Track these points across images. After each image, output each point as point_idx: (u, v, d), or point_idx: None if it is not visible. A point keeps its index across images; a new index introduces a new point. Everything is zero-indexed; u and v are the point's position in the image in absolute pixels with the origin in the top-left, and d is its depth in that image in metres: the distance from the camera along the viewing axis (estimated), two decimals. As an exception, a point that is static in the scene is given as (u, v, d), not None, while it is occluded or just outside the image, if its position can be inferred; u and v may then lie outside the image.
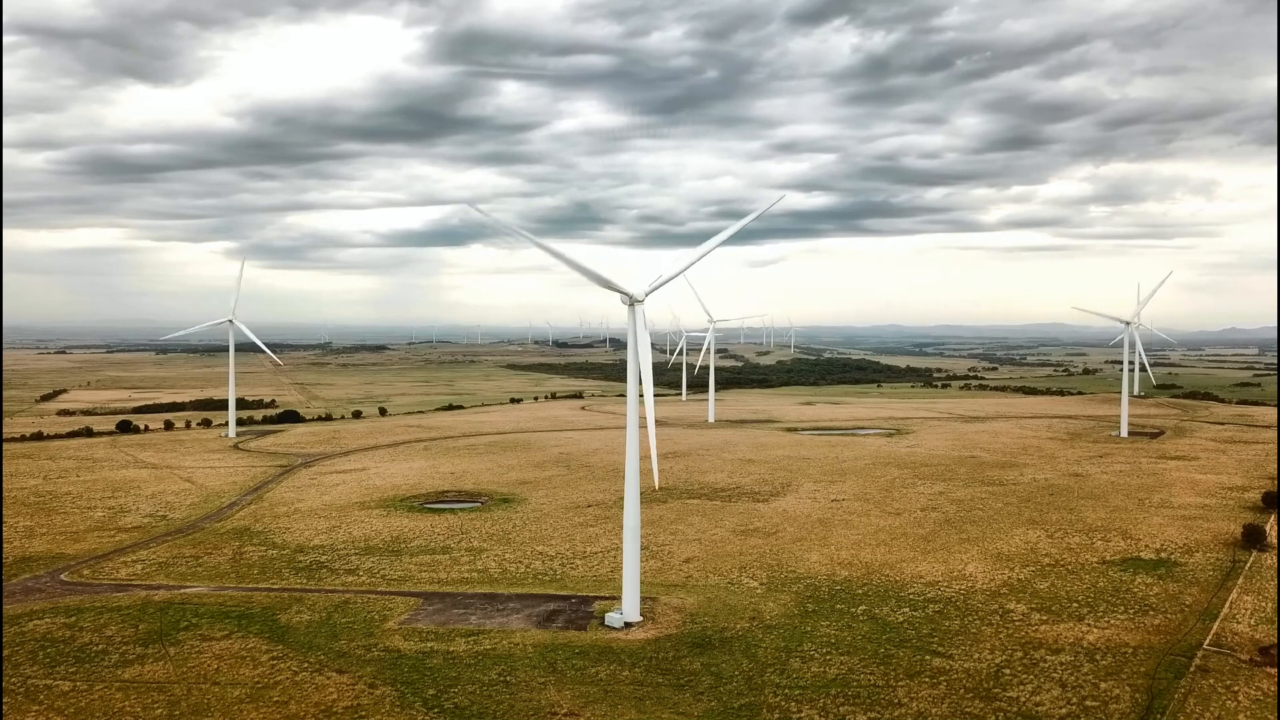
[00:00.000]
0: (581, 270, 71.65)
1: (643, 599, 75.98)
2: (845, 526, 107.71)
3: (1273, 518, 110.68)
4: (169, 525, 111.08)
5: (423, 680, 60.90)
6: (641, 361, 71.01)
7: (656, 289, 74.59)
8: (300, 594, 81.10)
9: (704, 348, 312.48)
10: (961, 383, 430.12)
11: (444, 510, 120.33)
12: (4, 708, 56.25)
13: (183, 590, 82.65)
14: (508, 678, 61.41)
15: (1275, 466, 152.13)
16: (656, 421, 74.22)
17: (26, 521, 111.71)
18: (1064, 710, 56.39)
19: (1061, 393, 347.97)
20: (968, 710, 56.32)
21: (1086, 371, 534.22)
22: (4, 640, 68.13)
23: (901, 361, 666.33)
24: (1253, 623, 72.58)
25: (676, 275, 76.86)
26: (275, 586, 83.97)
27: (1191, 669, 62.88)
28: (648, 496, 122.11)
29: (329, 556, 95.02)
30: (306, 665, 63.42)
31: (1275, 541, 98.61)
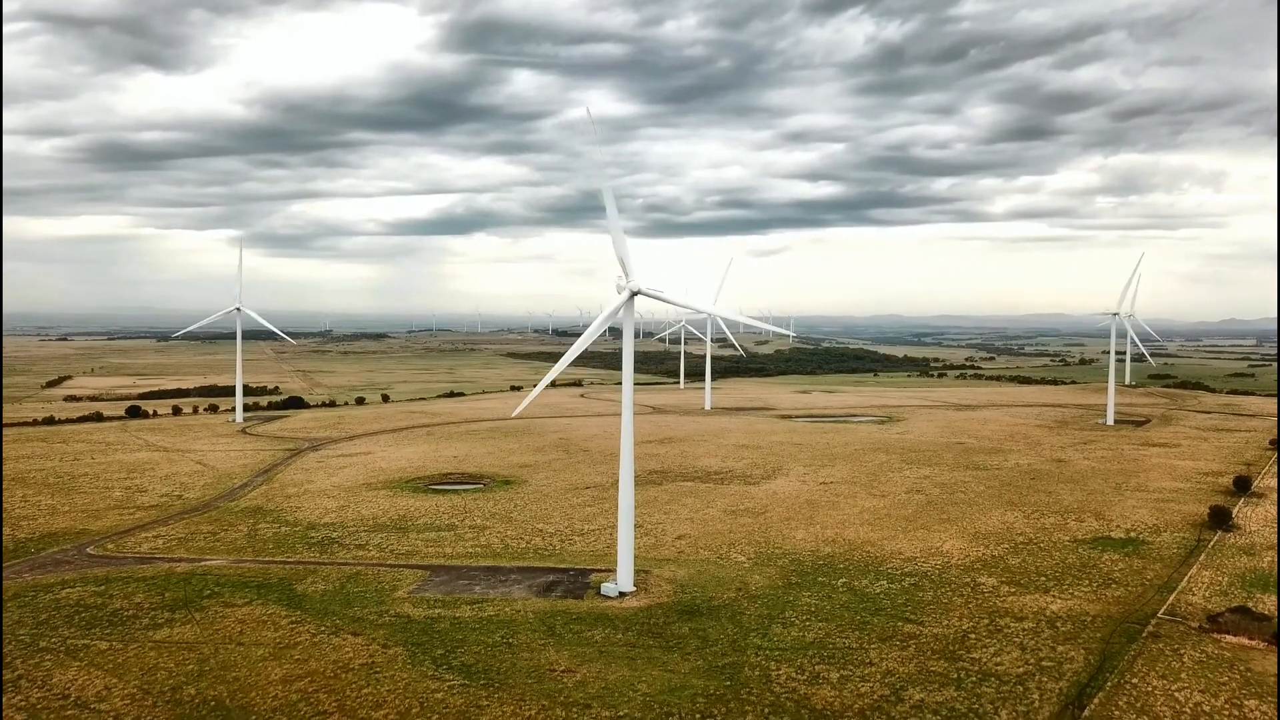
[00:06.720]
0: (615, 235, 75.51)
1: (636, 571, 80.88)
2: (831, 507, 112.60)
3: (1240, 501, 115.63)
4: (185, 504, 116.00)
5: (431, 641, 65.85)
6: (584, 336, 78.65)
7: (651, 296, 79.43)
8: (314, 566, 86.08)
9: (682, 331, 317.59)
10: (957, 372, 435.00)
11: (448, 491, 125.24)
12: (48, 663, 61.19)
13: (203, 563, 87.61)
14: (510, 640, 66.35)
15: (1252, 454, 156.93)
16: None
17: (49, 500, 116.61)
18: (1021, 669, 61.35)
19: (1055, 382, 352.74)
20: (933, 669, 61.27)
21: (1083, 361, 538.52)
22: (40, 605, 73.15)
23: (899, 351, 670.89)
24: (1207, 595, 77.56)
25: (675, 303, 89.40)
26: (290, 560, 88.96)
27: (1144, 635, 67.85)
28: (643, 479, 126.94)
29: (339, 533, 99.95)
30: (323, 628, 68.36)
31: (1243, 522, 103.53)
